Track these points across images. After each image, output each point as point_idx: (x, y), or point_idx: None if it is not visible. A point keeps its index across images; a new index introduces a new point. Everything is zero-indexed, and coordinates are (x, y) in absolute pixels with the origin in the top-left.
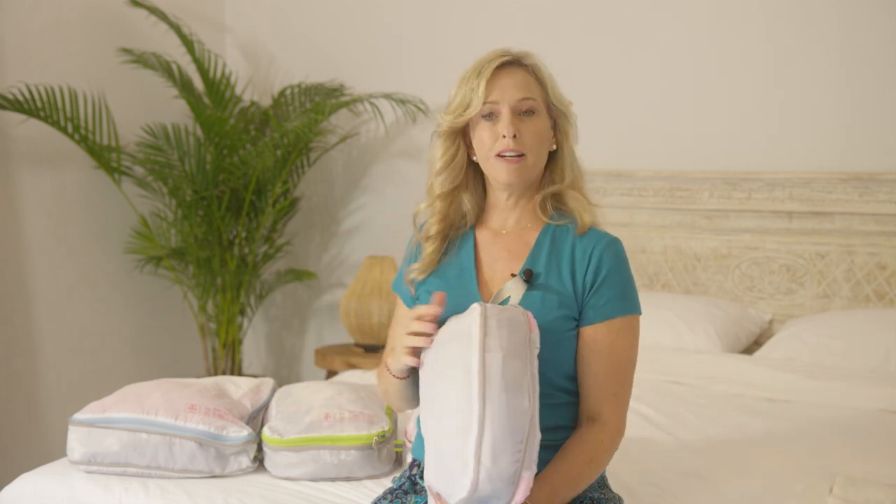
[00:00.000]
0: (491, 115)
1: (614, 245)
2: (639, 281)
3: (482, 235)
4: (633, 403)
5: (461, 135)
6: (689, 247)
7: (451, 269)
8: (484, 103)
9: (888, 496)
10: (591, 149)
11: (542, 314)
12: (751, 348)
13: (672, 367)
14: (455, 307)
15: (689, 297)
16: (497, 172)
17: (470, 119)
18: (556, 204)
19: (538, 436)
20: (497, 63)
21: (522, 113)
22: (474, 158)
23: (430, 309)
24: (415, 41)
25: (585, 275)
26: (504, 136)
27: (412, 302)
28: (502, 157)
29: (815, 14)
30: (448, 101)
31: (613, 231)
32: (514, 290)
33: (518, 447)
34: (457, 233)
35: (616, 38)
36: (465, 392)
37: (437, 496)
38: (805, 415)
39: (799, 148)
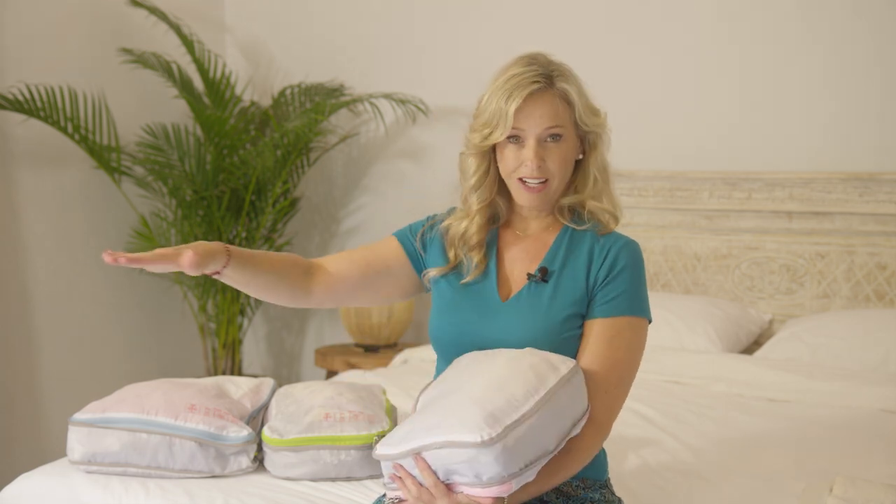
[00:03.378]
0: (517, 139)
1: (632, 246)
2: None
3: (505, 235)
4: (633, 403)
5: (490, 150)
6: (689, 247)
7: (472, 266)
8: (513, 127)
9: (888, 496)
10: None
11: (552, 312)
12: (751, 348)
13: (672, 367)
14: (473, 301)
15: (689, 297)
16: (518, 196)
17: (497, 140)
18: (577, 208)
19: (530, 476)
20: (529, 90)
21: (548, 139)
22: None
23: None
24: (415, 41)
25: (599, 270)
26: (527, 164)
27: (419, 263)
28: (523, 182)
29: (815, 14)
30: (477, 112)
31: None
32: None
33: (531, 456)
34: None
35: (616, 38)
36: (530, 384)
37: (415, 458)
38: (805, 415)
39: (799, 148)
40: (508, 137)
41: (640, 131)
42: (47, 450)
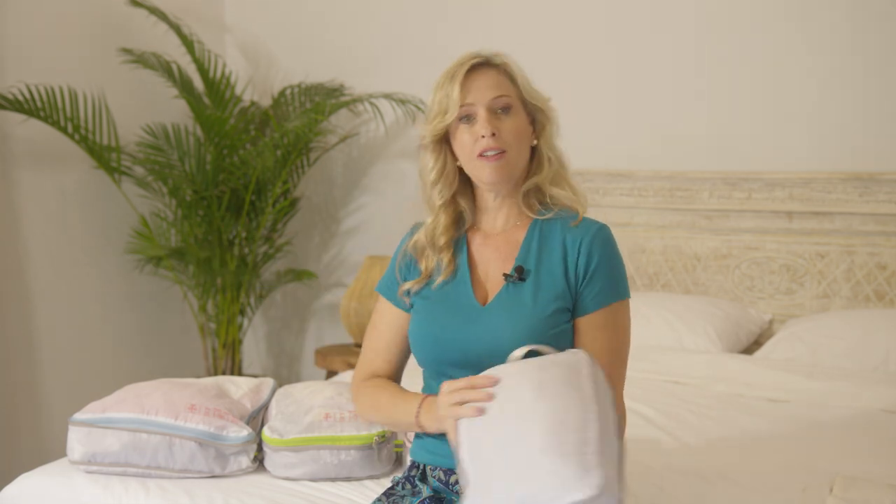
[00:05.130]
0: (468, 118)
1: (603, 232)
2: (639, 281)
3: (473, 238)
4: (633, 403)
5: (445, 143)
6: (689, 247)
7: (443, 266)
8: (461, 106)
9: (888, 496)
10: (591, 149)
11: (537, 310)
12: (751, 348)
13: (672, 367)
14: (450, 309)
15: (689, 297)
16: (480, 173)
17: (449, 125)
18: (541, 198)
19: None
20: (468, 66)
21: (499, 111)
22: (458, 164)
23: (487, 381)
24: (415, 41)
25: (577, 265)
26: (483, 136)
27: (407, 309)
28: (484, 156)
29: (816, 14)
30: (427, 112)
31: (613, 231)
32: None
33: (617, 462)
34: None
35: (616, 38)
36: (579, 408)
37: None
38: (805, 415)
39: (799, 148)
40: (461, 119)
41: (640, 131)
42: (47, 450)
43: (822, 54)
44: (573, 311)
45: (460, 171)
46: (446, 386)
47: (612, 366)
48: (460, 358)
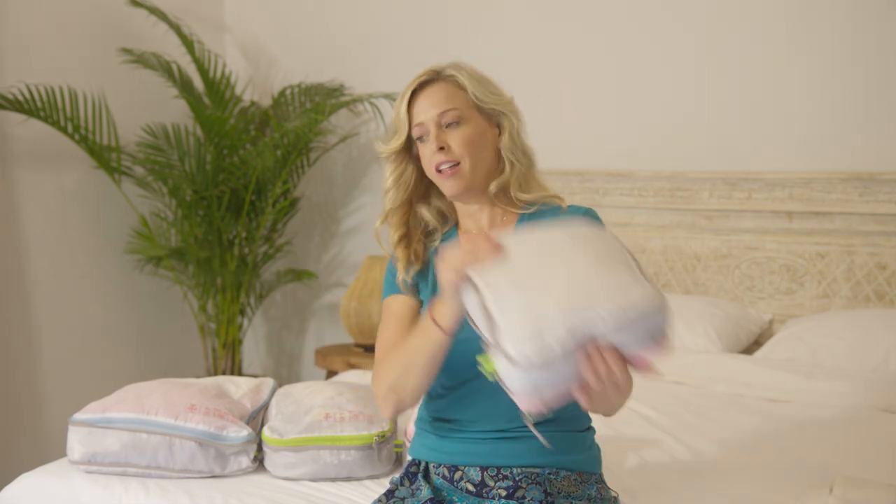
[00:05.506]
0: (422, 137)
1: (592, 213)
2: None
3: (464, 235)
4: (633, 403)
5: (408, 154)
6: (689, 247)
7: (431, 274)
8: (414, 126)
9: (888, 496)
10: (591, 149)
11: None
12: (751, 348)
13: (672, 367)
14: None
15: (689, 297)
16: (441, 188)
17: (404, 142)
18: (519, 195)
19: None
20: (415, 85)
21: (448, 125)
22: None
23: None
24: (414, 41)
25: None
26: (435, 152)
27: (412, 294)
28: (440, 171)
29: (816, 14)
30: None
31: (613, 231)
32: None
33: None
34: (437, 239)
35: (616, 38)
36: (612, 241)
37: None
38: (805, 415)
39: (799, 148)
40: (418, 139)
41: (640, 131)
42: (47, 450)
43: (822, 54)
44: None
45: (423, 180)
46: (444, 256)
47: None
48: (464, 358)
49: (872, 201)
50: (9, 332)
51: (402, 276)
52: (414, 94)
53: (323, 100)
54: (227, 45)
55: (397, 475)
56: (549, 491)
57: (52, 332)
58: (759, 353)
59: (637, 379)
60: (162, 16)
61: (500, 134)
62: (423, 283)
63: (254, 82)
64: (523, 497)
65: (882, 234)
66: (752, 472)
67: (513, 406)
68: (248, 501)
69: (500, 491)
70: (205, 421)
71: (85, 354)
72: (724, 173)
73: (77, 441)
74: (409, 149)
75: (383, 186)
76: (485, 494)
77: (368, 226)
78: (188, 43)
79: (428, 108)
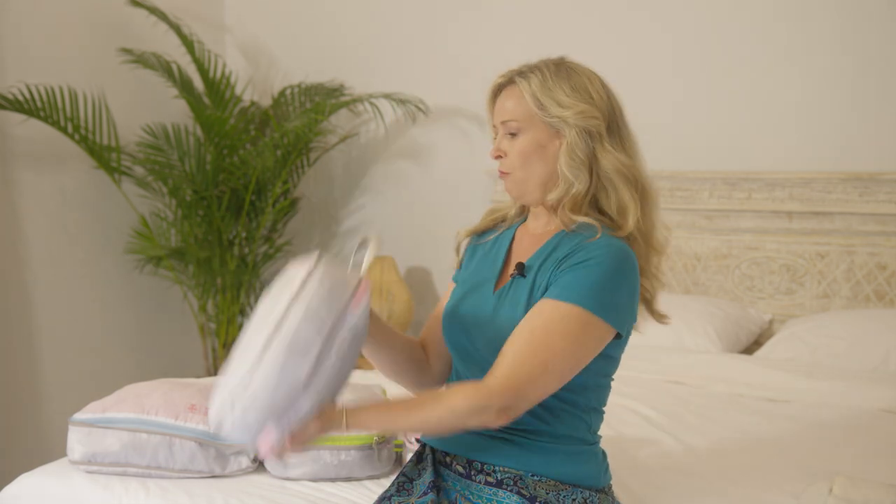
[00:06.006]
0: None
1: (618, 250)
2: None
3: (519, 232)
4: (633, 403)
5: None
6: (689, 247)
7: (486, 255)
8: (493, 126)
9: (888, 496)
10: None
11: (529, 306)
12: (751, 348)
13: (672, 367)
14: (473, 289)
15: (689, 297)
16: None
17: (496, 138)
18: (569, 214)
19: (305, 409)
20: (494, 86)
21: (509, 134)
22: None
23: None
24: (415, 41)
25: (569, 259)
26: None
27: None
28: (501, 172)
29: (816, 14)
30: None
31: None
32: (372, 245)
33: (275, 409)
34: (504, 225)
35: (616, 38)
36: (260, 331)
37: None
38: (805, 415)
39: (799, 148)
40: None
41: (640, 131)
42: (47, 450)
43: (823, 54)
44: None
45: None
46: None
47: (533, 357)
48: (463, 330)
49: (872, 201)
50: (9, 332)
51: (464, 239)
52: (493, 95)
53: (323, 100)
54: (227, 45)
55: (395, 476)
56: (530, 495)
57: (52, 332)
58: (759, 353)
59: (637, 379)
60: (162, 16)
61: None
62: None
63: (254, 82)
64: (503, 497)
65: (882, 234)
66: (752, 472)
67: None
68: (248, 501)
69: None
70: (205, 421)
71: (85, 354)
72: (724, 173)
73: (77, 441)
74: None
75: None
76: (472, 478)
77: (369, 226)
78: (188, 43)
79: (496, 114)
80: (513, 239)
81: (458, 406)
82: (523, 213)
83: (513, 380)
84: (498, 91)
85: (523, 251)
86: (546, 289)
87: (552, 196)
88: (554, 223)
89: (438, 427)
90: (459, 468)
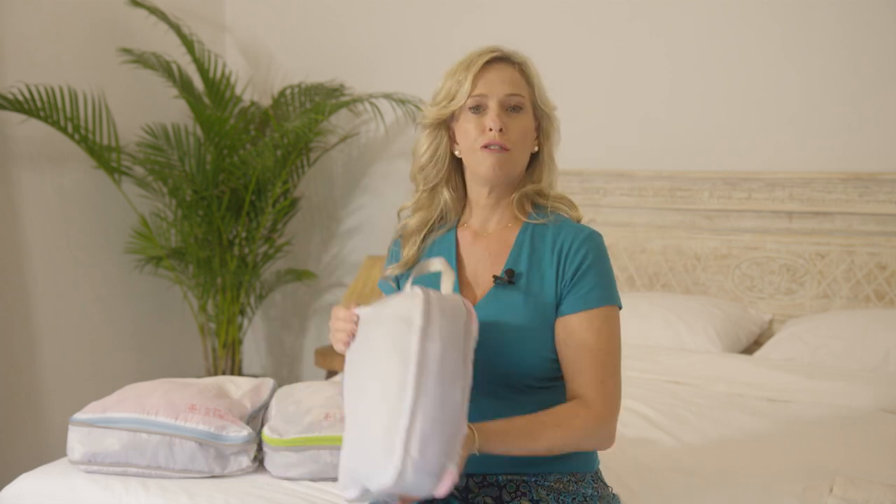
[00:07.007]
0: (478, 108)
1: (594, 238)
2: (639, 281)
3: (463, 235)
4: (633, 403)
5: (445, 127)
6: (689, 247)
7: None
8: (471, 96)
9: (888, 496)
10: (591, 149)
11: (525, 315)
12: (751, 348)
13: (672, 367)
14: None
15: (689, 297)
16: (480, 165)
17: (455, 111)
18: (536, 202)
19: (465, 430)
20: (487, 58)
21: (510, 108)
22: (456, 153)
23: (348, 313)
24: (415, 41)
25: (567, 267)
26: (490, 129)
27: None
28: (488, 148)
29: (816, 14)
30: (434, 94)
31: (613, 231)
32: (445, 270)
33: (447, 440)
34: (438, 232)
35: (616, 38)
36: (398, 378)
37: (352, 479)
38: (805, 415)
39: (799, 148)
40: (470, 108)
41: (640, 131)
42: (47, 450)
43: (822, 54)
44: (557, 311)
45: (451, 161)
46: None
47: (598, 369)
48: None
49: (872, 201)
50: (9, 332)
51: (393, 272)
52: (482, 67)
53: (323, 100)
54: (227, 45)
55: None
56: (535, 498)
57: (52, 332)
58: (759, 353)
59: (637, 379)
60: (162, 16)
61: (537, 137)
62: (403, 280)
63: (254, 82)
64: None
65: (882, 234)
66: (752, 472)
67: (500, 416)
68: (248, 501)
69: (486, 500)
70: (205, 421)
71: (85, 354)
72: (724, 173)
73: (77, 441)
74: (446, 123)
75: (417, 161)
76: (470, 500)
77: (368, 226)
78: (188, 43)
79: (497, 84)
80: (456, 244)
81: (576, 437)
82: (442, 215)
83: (610, 397)
84: (489, 63)
85: (484, 256)
86: (557, 294)
87: (538, 186)
88: (505, 217)
89: (561, 451)
90: (455, 492)
